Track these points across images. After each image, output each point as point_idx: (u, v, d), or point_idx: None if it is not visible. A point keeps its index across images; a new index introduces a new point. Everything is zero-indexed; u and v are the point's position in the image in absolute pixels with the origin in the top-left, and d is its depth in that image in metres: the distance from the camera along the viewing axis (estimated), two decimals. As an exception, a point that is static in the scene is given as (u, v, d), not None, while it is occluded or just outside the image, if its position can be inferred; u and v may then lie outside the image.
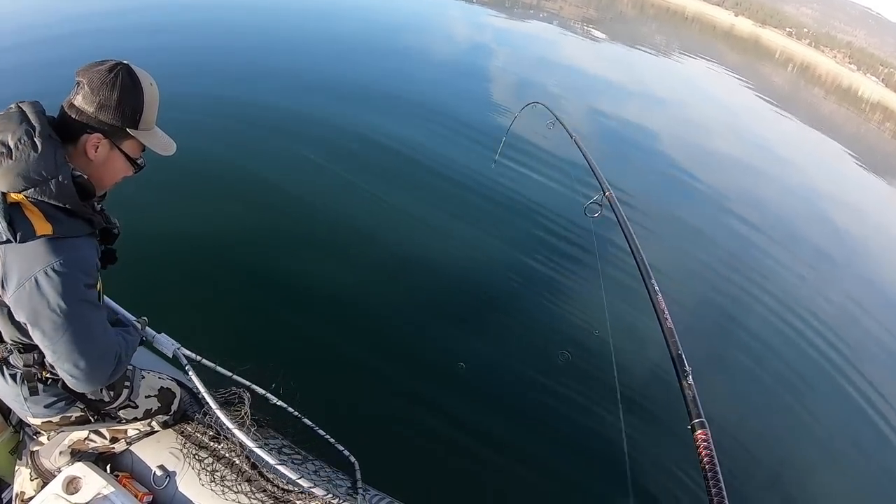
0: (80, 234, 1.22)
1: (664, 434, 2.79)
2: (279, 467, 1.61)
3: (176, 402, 1.87)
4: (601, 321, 3.72)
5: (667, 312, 1.36)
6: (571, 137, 2.75)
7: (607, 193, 2.11)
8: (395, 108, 7.50)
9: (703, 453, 1.05)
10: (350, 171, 5.39)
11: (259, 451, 1.59)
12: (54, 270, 1.14)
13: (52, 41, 6.55)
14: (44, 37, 6.65)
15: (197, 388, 1.71)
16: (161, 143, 1.36)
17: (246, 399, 1.87)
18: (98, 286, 1.30)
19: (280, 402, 1.94)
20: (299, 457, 1.98)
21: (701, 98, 19.14)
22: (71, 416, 1.54)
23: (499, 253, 4.76)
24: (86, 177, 1.24)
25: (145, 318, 1.72)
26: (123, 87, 1.21)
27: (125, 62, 1.25)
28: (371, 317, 3.72)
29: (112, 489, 1.65)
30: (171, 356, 1.75)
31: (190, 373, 1.70)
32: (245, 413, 1.81)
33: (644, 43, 26.89)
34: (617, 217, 1.94)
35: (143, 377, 1.76)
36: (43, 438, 1.77)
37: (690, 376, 1.21)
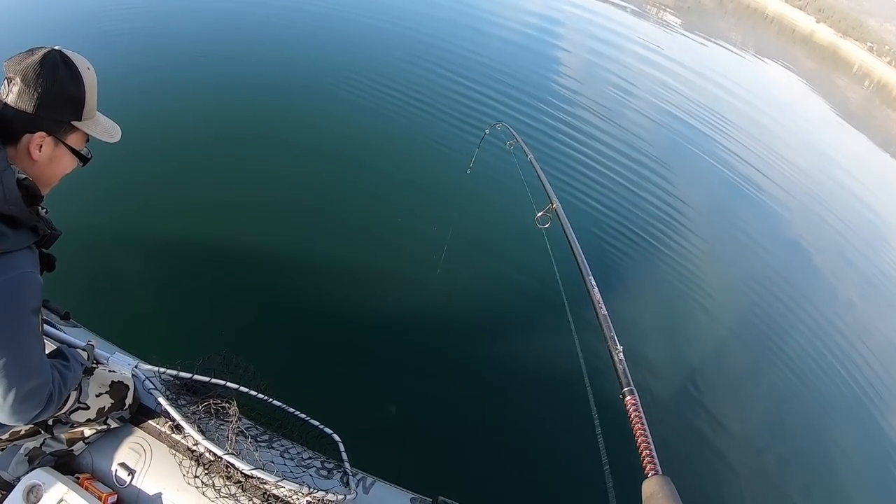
0: (24, 247, 1.13)
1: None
2: (227, 457, 1.66)
3: (130, 394, 1.79)
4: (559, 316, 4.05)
5: (601, 302, 1.58)
6: (527, 157, 2.94)
7: (553, 205, 2.28)
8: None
9: (633, 416, 1.26)
10: (317, 168, 5.30)
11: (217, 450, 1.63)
12: None
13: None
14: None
15: (164, 407, 1.72)
16: (106, 130, 1.28)
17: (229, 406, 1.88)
18: (41, 311, 1.22)
19: (252, 392, 1.96)
20: (279, 446, 1.98)
21: (769, 99, 19.25)
22: (20, 431, 1.49)
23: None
24: (31, 179, 1.15)
25: (92, 342, 1.63)
26: (61, 77, 1.13)
27: (57, 48, 1.15)
28: (338, 306, 3.79)
29: (74, 494, 1.63)
30: (130, 376, 1.73)
31: (156, 395, 1.72)
32: (232, 413, 1.83)
33: (719, 38, 26.85)
34: (561, 225, 2.14)
35: (92, 373, 1.65)
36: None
37: (622, 353, 1.43)
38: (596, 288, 1.65)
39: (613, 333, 1.48)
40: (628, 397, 1.31)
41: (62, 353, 1.44)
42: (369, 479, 1.96)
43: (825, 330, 6.50)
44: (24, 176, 1.13)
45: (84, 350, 1.58)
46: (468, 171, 4.32)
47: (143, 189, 4.26)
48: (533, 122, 8.11)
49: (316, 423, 2.07)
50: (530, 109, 8.58)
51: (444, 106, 7.43)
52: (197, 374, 1.88)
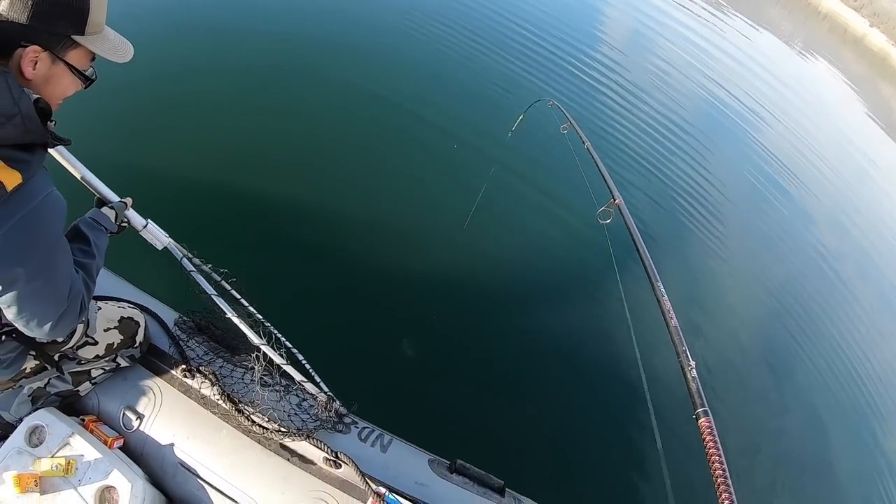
0: (40, 167, 1.04)
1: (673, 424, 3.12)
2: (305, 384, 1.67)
3: (140, 332, 1.70)
4: (617, 321, 3.81)
5: (672, 312, 1.53)
6: (584, 144, 2.73)
7: (616, 201, 2.17)
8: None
9: (708, 440, 1.24)
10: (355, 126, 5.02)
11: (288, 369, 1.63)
12: (27, 221, 0.97)
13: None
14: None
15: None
16: (115, 48, 1.10)
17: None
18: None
19: (267, 323, 1.83)
20: (296, 394, 1.91)
21: (814, 96, 18.56)
22: (26, 369, 1.38)
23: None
24: (43, 98, 1.02)
25: (128, 200, 1.48)
26: None
27: None
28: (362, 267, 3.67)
29: (78, 436, 1.53)
30: (160, 249, 1.56)
31: (189, 268, 1.57)
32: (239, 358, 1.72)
33: (768, 26, 25.09)
34: (626, 224, 2.03)
35: (100, 308, 1.59)
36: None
37: (694, 370, 1.40)
38: (665, 297, 1.58)
39: (685, 348, 1.44)
40: (703, 419, 1.26)
41: (80, 234, 1.31)
42: (387, 437, 1.92)
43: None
44: (37, 97, 1.01)
45: (113, 208, 1.42)
46: (509, 135, 4.15)
47: (168, 115, 4.16)
48: (584, 102, 7.62)
49: (301, 357, 1.99)
50: (582, 88, 8.04)
51: (486, 75, 7.05)
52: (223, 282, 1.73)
